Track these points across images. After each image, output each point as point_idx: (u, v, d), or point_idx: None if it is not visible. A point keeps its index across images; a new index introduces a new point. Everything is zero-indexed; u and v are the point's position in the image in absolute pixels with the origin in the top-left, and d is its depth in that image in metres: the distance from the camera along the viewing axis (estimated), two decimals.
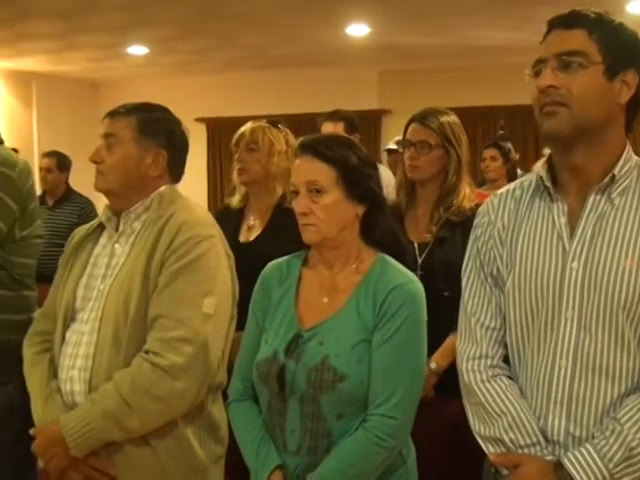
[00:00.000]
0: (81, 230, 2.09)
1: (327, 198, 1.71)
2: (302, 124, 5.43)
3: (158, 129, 1.95)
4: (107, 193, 1.96)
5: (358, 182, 1.73)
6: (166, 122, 1.98)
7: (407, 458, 1.76)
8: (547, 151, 4.66)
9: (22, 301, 2.20)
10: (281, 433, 1.70)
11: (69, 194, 5.04)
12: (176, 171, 2.01)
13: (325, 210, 1.71)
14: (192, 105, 8.00)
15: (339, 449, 1.65)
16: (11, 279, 2.16)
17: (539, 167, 1.63)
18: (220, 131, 8.61)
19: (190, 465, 1.87)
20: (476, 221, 1.68)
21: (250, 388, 1.80)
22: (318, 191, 1.71)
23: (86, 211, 4.94)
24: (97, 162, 1.94)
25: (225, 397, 1.94)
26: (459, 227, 2.40)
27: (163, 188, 1.96)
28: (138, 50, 6.99)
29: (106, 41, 6.58)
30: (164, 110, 2.02)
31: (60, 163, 5.05)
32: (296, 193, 1.74)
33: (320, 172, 1.71)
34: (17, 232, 2.15)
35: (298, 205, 1.72)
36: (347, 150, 1.74)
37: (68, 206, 4.92)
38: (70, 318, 1.93)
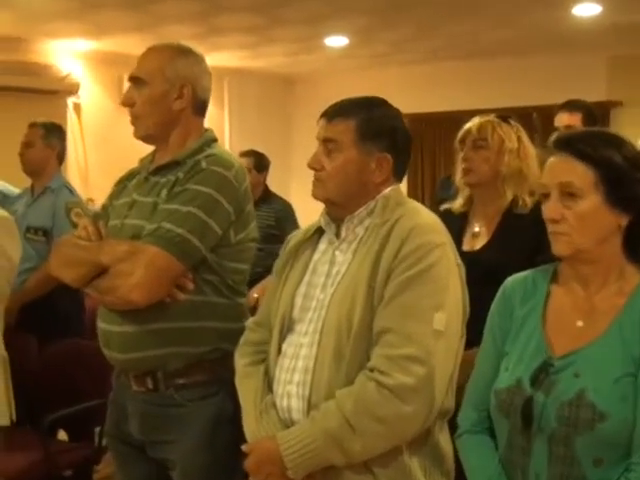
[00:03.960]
0: (297, 235, 2.16)
1: (582, 204, 1.62)
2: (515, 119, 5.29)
3: (381, 130, 1.96)
4: (326, 202, 2.00)
5: (622, 187, 1.62)
6: (388, 120, 1.99)
7: None
8: None
9: (235, 309, 2.29)
10: (523, 475, 1.65)
11: (267, 196, 5.17)
12: (400, 171, 2.02)
13: (579, 218, 1.62)
14: (390, 99, 8.03)
15: None
16: (225, 285, 2.25)
17: None
18: (420, 127, 8.57)
19: None
20: None
21: (485, 419, 1.76)
22: (572, 195, 1.63)
23: (284, 214, 5.08)
24: (316, 169, 1.98)
25: (451, 426, 1.93)
26: None
27: (387, 190, 1.98)
28: (337, 41, 7.14)
29: (304, 33, 6.77)
30: (384, 105, 2.03)
31: (258, 163, 5.19)
32: (546, 196, 1.68)
33: (576, 173, 1.62)
34: (232, 236, 2.24)
35: (548, 210, 1.66)
36: (611, 148, 1.64)
37: (265, 209, 5.02)
38: (287, 329, 1.99)
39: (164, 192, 2.24)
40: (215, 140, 2.37)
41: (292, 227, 5.17)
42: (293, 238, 2.15)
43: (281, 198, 5.28)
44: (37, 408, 3.53)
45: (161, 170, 2.31)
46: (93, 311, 4.44)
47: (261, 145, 6.07)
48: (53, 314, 3.88)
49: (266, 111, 9.05)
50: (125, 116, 2.33)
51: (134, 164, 2.47)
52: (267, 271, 4.92)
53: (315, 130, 2.00)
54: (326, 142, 1.97)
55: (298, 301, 1.99)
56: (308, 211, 6.18)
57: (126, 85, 2.35)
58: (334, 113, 1.98)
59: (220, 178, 2.20)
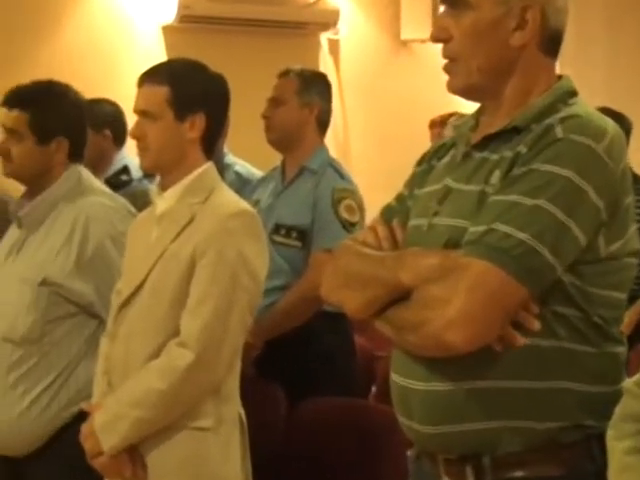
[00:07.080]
0: None
1: None
2: None
3: None
4: None
5: None
6: None
7: None
8: None
9: (606, 362, 2.26)
10: None
11: None
12: None
13: None
14: None
15: None
16: (589, 325, 2.22)
17: None
18: None
19: None
20: None
21: None
22: None
23: None
24: None
25: None
26: None
27: None
28: None
29: None
30: None
31: None
32: None
33: None
34: (602, 246, 2.21)
35: None
36: None
37: None
38: None
39: (496, 175, 2.25)
40: (575, 93, 2.36)
41: None
42: None
43: None
44: None
45: (491, 141, 2.32)
46: (369, 354, 4.57)
47: (606, 99, 5.95)
48: (311, 357, 4.02)
49: (617, 45, 8.92)
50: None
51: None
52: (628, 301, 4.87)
53: None
54: None
55: None
56: None
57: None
58: None
59: (586, 154, 2.18)
